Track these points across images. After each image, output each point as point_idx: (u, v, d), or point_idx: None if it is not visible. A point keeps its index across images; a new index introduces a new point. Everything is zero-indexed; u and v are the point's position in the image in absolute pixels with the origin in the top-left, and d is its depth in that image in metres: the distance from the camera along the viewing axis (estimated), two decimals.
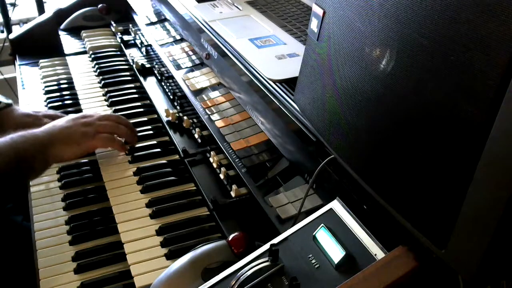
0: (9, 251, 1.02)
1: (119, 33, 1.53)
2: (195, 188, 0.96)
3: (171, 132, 1.09)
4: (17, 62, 1.54)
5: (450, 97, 0.45)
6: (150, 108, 1.21)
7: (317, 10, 0.66)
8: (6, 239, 1.05)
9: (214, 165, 0.95)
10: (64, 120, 0.98)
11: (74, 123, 0.97)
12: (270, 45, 0.96)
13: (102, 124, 1.00)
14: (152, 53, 1.40)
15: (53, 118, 1.13)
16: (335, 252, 0.56)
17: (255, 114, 0.91)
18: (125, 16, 1.63)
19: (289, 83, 0.82)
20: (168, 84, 1.23)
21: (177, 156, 1.04)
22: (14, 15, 2.33)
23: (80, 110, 1.23)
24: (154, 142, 1.09)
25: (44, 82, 1.39)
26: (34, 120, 1.11)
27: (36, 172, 0.92)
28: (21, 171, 0.88)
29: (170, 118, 1.12)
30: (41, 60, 1.50)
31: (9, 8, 2.26)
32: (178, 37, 1.31)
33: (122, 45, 1.49)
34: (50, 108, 1.25)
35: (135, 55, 1.40)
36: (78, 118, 0.99)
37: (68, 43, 1.55)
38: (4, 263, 1.00)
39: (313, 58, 0.67)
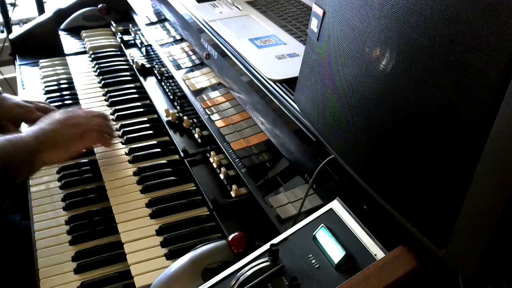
0: (7, 250, 1.01)
1: (119, 33, 1.53)
2: (195, 188, 0.96)
3: (171, 132, 1.09)
4: (17, 62, 1.54)
5: (450, 97, 0.45)
6: (150, 108, 1.21)
7: (317, 10, 0.66)
8: (3, 238, 1.05)
9: (214, 165, 0.95)
10: (51, 123, 0.94)
11: (61, 126, 0.94)
12: (270, 45, 0.96)
13: (90, 124, 0.98)
14: (152, 53, 1.40)
15: (44, 111, 1.12)
16: (335, 252, 0.56)
17: (255, 114, 0.91)
18: (125, 16, 1.64)
19: (289, 83, 0.82)
20: (168, 84, 1.23)
21: (177, 156, 1.04)
22: (14, 15, 2.33)
23: None
24: (154, 142, 1.09)
25: (44, 82, 1.40)
26: (26, 112, 1.10)
27: (21, 176, 0.90)
28: (4, 175, 0.86)
29: (170, 118, 1.12)
30: (41, 60, 1.50)
31: (9, 8, 2.26)
32: (178, 37, 1.31)
33: (122, 45, 1.49)
34: None
35: (135, 55, 1.40)
36: (64, 120, 0.95)
37: (68, 43, 1.55)
38: (2, 263, 0.99)
39: (313, 58, 0.67)
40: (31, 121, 1.12)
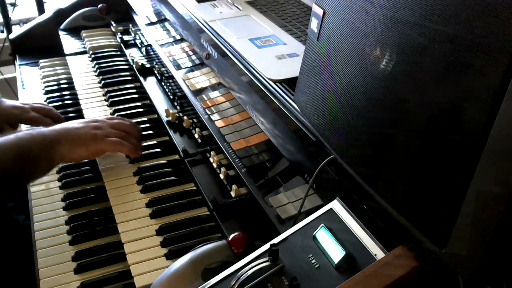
0: (10, 250, 1.02)
1: (119, 33, 1.53)
2: (195, 188, 0.96)
3: (171, 132, 1.09)
4: (17, 62, 1.54)
5: (450, 97, 0.45)
6: (150, 108, 1.21)
7: (317, 10, 0.66)
8: (7, 238, 1.05)
9: (214, 165, 0.95)
10: (75, 122, 0.98)
11: (85, 125, 0.97)
12: (270, 45, 0.96)
13: (112, 132, 0.99)
14: (152, 53, 1.40)
15: (40, 110, 1.13)
16: (335, 252, 0.56)
17: (255, 114, 0.91)
18: (125, 16, 1.63)
19: (289, 83, 0.82)
20: (168, 84, 1.23)
21: (177, 156, 1.04)
22: (14, 15, 2.33)
23: (80, 110, 1.23)
24: (154, 142, 1.09)
25: (44, 82, 1.40)
26: (22, 112, 1.11)
27: (41, 171, 0.91)
28: (24, 170, 0.87)
29: (170, 118, 1.12)
30: (41, 60, 1.50)
31: (9, 8, 2.26)
32: (178, 37, 1.31)
33: (122, 45, 1.49)
34: None
35: (135, 55, 1.40)
36: (89, 121, 0.99)
37: (68, 43, 1.55)
38: (4, 263, 1.00)
39: (313, 58, 0.67)
40: (27, 121, 1.12)
